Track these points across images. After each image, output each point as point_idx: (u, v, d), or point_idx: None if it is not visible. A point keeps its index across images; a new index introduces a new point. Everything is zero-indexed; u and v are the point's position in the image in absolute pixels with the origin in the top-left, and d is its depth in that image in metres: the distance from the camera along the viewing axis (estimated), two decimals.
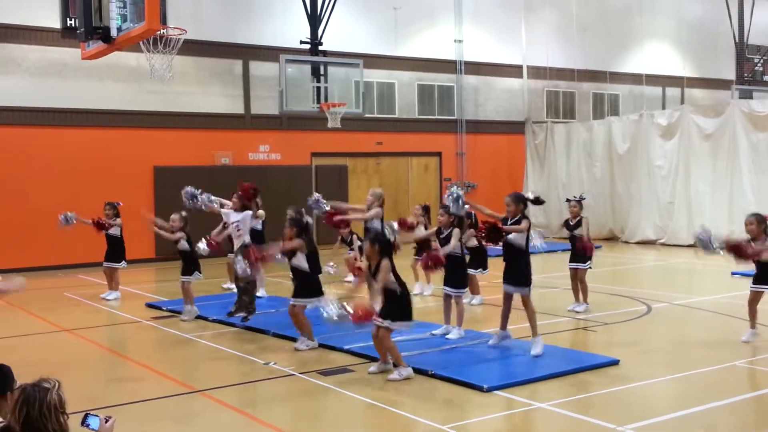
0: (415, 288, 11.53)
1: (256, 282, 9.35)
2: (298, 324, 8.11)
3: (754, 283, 8.04)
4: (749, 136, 17.57)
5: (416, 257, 11.69)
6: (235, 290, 12.25)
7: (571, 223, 10.05)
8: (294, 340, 8.34)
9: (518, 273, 7.53)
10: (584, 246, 9.82)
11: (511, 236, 7.50)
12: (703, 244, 8.00)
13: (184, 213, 10.31)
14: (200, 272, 10.26)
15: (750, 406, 6.10)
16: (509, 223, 7.56)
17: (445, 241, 8.35)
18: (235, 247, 9.32)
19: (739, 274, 11.71)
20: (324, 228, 11.47)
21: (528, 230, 7.51)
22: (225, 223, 9.94)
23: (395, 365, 6.84)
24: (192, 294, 10.21)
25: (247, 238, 9.23)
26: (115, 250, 12.20)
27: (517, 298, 7.68)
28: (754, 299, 8.03)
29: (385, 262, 6.77)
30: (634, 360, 7.34)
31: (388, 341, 6.85)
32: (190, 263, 10.15)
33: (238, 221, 9.20)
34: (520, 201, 7.61)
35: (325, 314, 7.08)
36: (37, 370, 3.10)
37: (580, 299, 10.04)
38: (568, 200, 10.36)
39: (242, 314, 9.12)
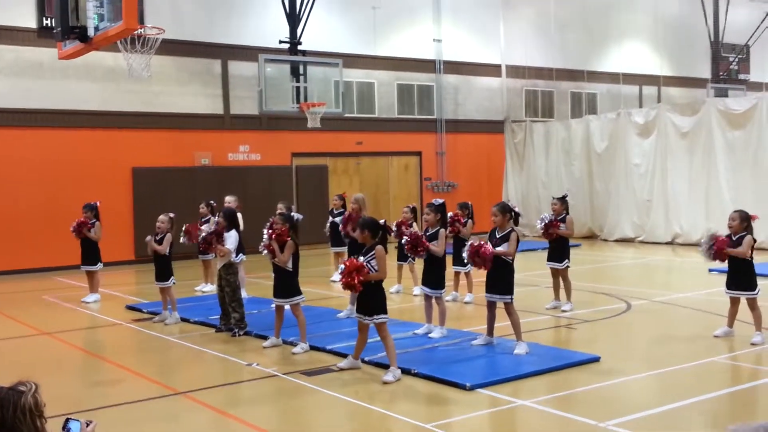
0: (392, 287, 11.58)
1: (242, 300, 9.28)
2: (298, 323, 8.09)
3: (728, 287, 8.11)
4: (725, 134, 17.77)
5: (399, 262, 11.74)
6: (207, 291, 12.27)
7: (556, 219, 10.12)
8: (266, 338, 8.44)
9: (501, 282, 7.55)
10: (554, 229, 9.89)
11: (499, 249, 7.50)
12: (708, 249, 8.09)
13: (171, 214, 10.23)
14: (174, 277, 10.18)
15: (729, 401, 6.17)
16: (498, 235, 7.59)
17: (430, 239, 8.36)
18: (219, 265, 9.25)
19: (717, 270, 11.85)
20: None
21: (516, 242, 7.53)
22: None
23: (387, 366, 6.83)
24: (174, 298, 10.14)
25: (233, 256, 9.15)
26: (90, 252, 12.05)
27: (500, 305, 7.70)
28: (733, 303, 8.12)
29: (380, 249, 6.79)
30: (615, 356, 7.40)
31: (390, 339, 6.84)
32: (168, 267, 10.06)
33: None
34: (507, 211, 7.62)
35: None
36: (17, 374, 3.06)
37: (561, 297, 10.11)
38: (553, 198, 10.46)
39: (235, 330, 9.03)
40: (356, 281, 6.58)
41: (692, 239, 17.58)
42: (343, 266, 7.03)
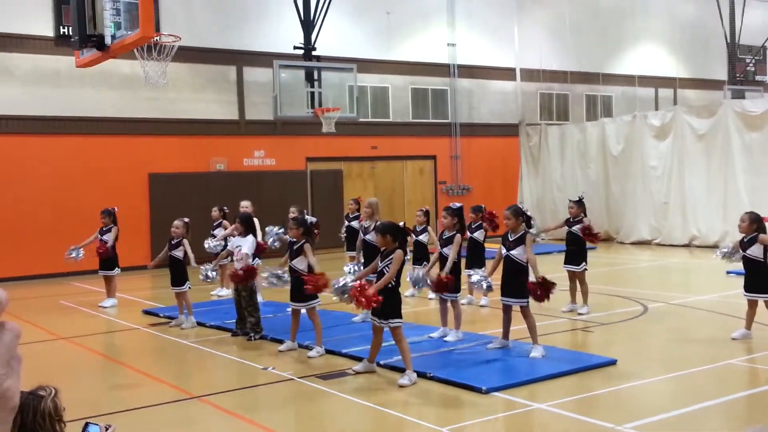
0: (408, 291, 11.55)
1: (258, 305, 9.34)
2: (314, 327, 8.11)
3: (745, 290, 8.06)
4: (742, 136, 17.64)
5: (414, 265, 11.69)
6: (224, 295, 12.35)
7: (572, 221, 10.14)
8: (281, 342, 8.46)
9: (517, 285, 7.53)
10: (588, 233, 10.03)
11: (513, 252, 7.50)
12: (729, 255, 8.15)
13: (186, 219, 10.30)
14: (189, 281, 10.24)
15: (747, 404, 6.12)
16: (511, 238, 7.57)
17: (446, 243, 8.36)
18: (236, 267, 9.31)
19: (734, 273, 11.75)
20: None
21: (529, 243, 7.52)
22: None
23: (403, 369, 6.83)
24: (190, 302, 10.20)
25: (250, 261, 9.16)
26: (108, 257, 12.14)
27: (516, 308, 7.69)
28: (751, 306, 8.05)
29: (399, 253, 6.79)
30: (632, 359, 7.37)
31: (405, 342, 6.85)
32: (183, 272, 10.13)
33: (241, 246, 9.19)
34: (520, 215, 7.60)
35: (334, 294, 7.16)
36: (36, 378, 3.09)
37: (577, 300, 10.07)
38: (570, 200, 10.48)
39: (251, 334, 9.06)
40: (366, 297, 6.51)
41: (709, 241, 17.46)
42: (350, 266, 7.03)
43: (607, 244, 20.23)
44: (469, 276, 8.17)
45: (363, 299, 6.52)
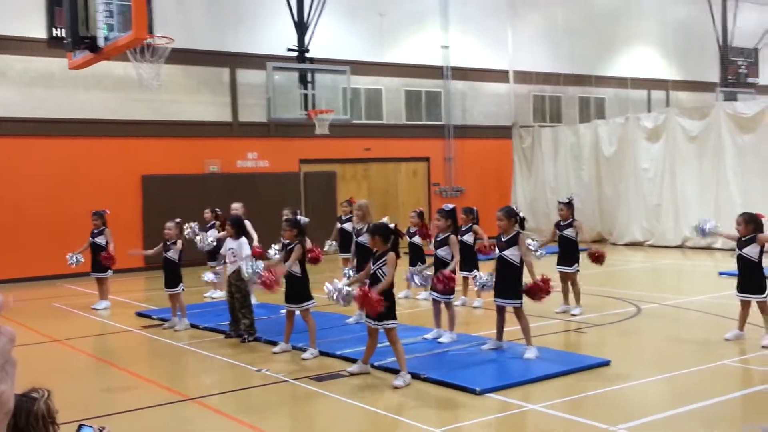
0: (401, 293, 11.55)
1: (252, 307, 9.33)
2: (309, 329, 8.11)
3: (738, 291, 8.09)
4: (734, 137, 17.72)
5: (410, 267, 11.67)
6: (217, 297, 12.32)
7: (562, 224, 10.15)
8: (275, 343, 8.45)
9: (510, 286, 7.55)
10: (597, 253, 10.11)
11: (506, 253, 7.51)
12: (701, 231, 8.24)
13: (178, 220, 10.30)
14: (183, 283, 10.21)
15: (741, 404, 6.15)
16: (503, 239, 7.58)
17: (440, 245, 8.38)
18: (228, 272, 9.30)
19: (727, 274, 11.81)
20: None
21: (523, 244, 7.54)
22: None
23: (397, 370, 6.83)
24: (184, 304, 10.18)
25: (242, 262, 9.14)
26: (100, 259, 12.10)
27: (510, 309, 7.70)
28: (744, 307, 8.08)
29: (391, 256, 6.78)
30: (625, 360, 7.38)
31: (399, 344, 6.84)
32: (177, 274, 10.11)
33: (233, 248, 9.18)
34: (512, 216, 7.60)
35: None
36: (29, 381, 3.08)
37: (570, 302, 10.10)
38: (559, 203, 10.49)
39: (244, 336, 9.05)
40: (375, 305, 6.44)
41: (702, 243, 17.51)
42: (347, 271, 6.99)
43: (600, 245, 20.21)
44: (475, 278, 8.16)
45: (368, 306, 6.49)
